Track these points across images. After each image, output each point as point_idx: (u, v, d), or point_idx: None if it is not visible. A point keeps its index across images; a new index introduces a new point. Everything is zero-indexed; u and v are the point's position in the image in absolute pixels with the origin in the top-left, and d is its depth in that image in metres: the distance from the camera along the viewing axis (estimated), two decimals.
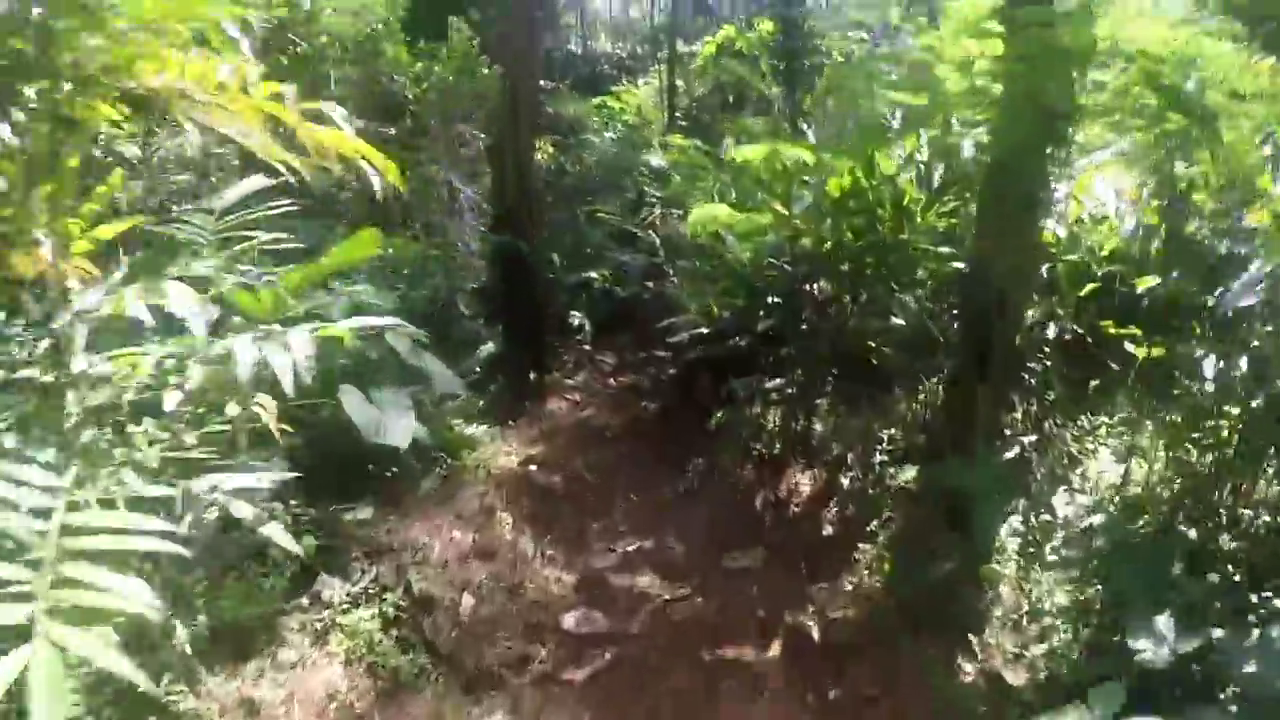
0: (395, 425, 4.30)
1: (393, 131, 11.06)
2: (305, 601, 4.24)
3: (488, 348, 8.49)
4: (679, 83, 12.28)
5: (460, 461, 5.94)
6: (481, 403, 7.97)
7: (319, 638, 4.08)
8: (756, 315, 5.92)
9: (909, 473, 4.37)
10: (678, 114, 11.54)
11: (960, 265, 4.49)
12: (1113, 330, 4.21)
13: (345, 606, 4.23)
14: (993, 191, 4.15)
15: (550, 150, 10.41)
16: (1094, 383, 4.71)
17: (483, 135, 9.06)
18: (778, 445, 5.41)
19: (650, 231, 6.71)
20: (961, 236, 4.46)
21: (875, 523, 4.44)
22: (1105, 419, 4.66)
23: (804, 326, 5.39)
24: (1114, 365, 4.52)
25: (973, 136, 4.36)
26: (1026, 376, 4.85)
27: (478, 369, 8.25)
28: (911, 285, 4.63)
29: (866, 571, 4.25)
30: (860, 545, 4.37)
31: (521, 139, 7.61)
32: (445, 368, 5.06)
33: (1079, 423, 4.72)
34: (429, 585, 4.34)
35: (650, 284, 8.56)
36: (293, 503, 4.46)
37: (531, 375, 8.06)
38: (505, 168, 7.64)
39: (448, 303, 7.04)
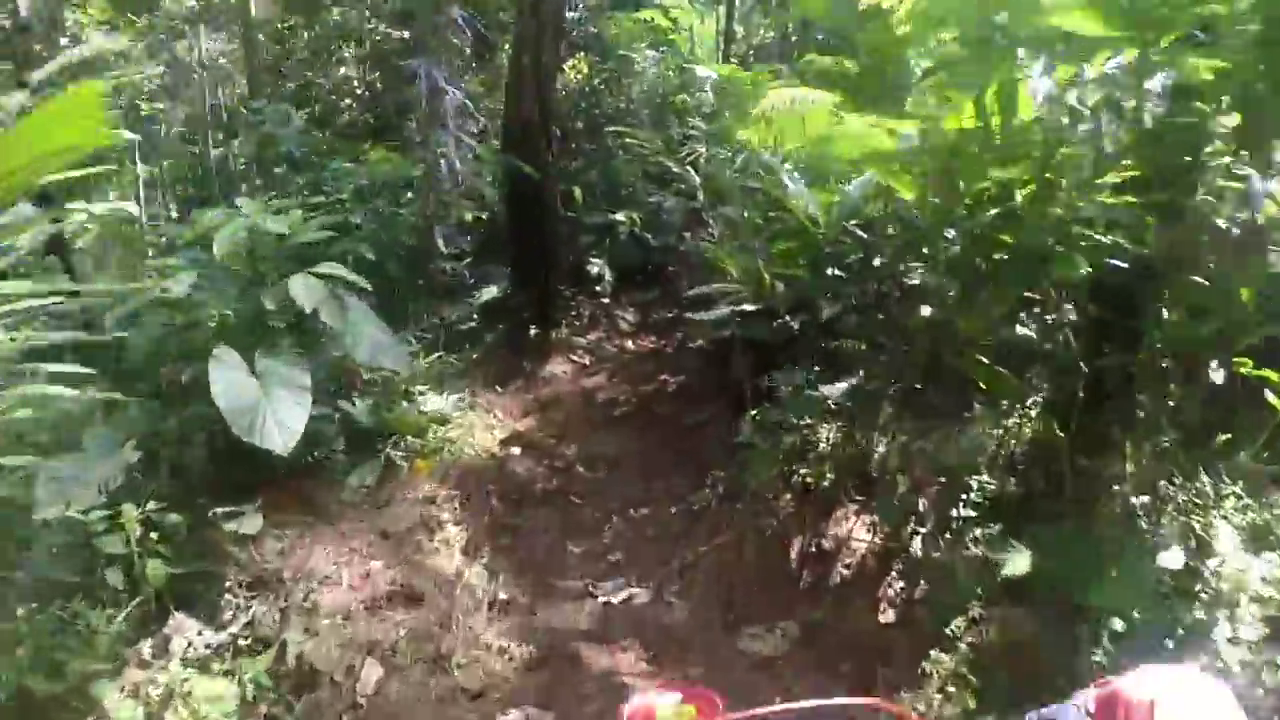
0: (276, 417, 2.92)
1: (405, 35, 9.62)
2: (146, 652, 3.02)
3: (489, 291, 7.16)
4: (737, 28, 10.61)
5: (423, 440, 4.68)
6: (475, 355, 6.69)
7: (154, 711, 2.87)
8: (821, 293, 4.51)
9: (1019, 561, 2.99)
10: (733, 60, 9.93)
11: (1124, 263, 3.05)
12: (1245, 371, 3.10)
13: (200, 662, 3.01)
14: (1208, 161, 2.71)
15: (585, 71, 8.93)
16: (1223, 436, 3.36)
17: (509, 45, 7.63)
18: (829, 473, 4.06)
19: (691, 169, 5.29)
20: (1136, 223, 3.01)
21: (959, 620, 3.09)
22: (1233, 486, 3.27)
23: (884, 318, 4.01)
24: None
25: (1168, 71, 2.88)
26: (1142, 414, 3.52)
27: (474, 318, 6.96)
28: (1062, 285, 3.20)
29: (939, 696, 2.94)
30: (933, 651, 3.04)
31: (545, 42, 6.16)
32: (386, 331, 3.71)
33: (1198, 483, 3.34)
34: (320, 642, 3.09)
35: (688, 234, 7.15)
36: (151, 505, 3.21)
37: (534, 329, 6.74)
38: (523, 74, 6.21)
39: (425, 234, 5.69)
